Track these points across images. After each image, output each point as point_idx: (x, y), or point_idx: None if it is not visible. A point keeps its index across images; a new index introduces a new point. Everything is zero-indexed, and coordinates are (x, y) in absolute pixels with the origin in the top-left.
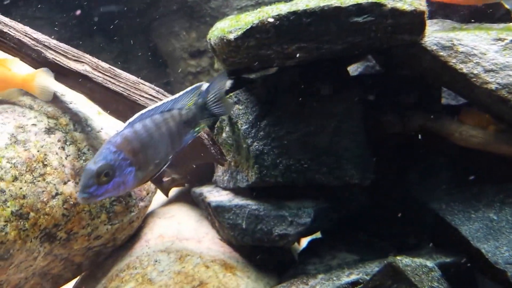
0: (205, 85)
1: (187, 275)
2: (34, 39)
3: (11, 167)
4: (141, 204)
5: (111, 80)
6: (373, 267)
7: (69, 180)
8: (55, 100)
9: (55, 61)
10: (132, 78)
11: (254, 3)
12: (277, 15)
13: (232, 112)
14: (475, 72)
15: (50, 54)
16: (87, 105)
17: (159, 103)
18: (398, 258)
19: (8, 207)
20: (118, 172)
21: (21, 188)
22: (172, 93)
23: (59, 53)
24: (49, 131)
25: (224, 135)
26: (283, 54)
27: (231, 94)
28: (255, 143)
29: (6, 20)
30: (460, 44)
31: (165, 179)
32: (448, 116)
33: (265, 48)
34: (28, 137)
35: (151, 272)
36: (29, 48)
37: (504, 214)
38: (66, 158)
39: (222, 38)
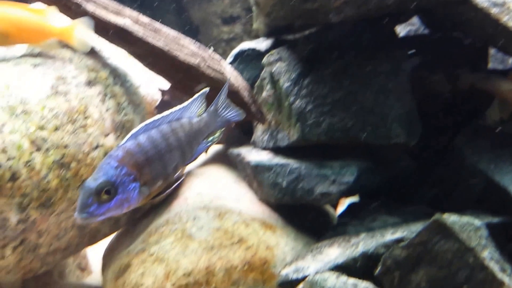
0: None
1: (226, 231)
2: None
3: (52, 117)
4: None
5: (151, 34)
6: (418, 227)
7: (109, 133)
8: (94, 53)
9: (95, 14)
10: (173, 33)
11: None
12: None
13: (273, 70)
14: None
15: (90, 7)
16: (126, 60)
17: (166, 112)
18: (445, 215)
19: (50, 155)
20: (121, 189)
21: (62, 138)
22: None
23: (100, 6)
24: (89, 83)
25: (264, 94)
26: (329, 9)
27: (272, 51)
28: (297, 101)
29: None
30: None
31: None
32: (500, 76)
33: (311, 1)
34: (69, 88)
35: (191, 228)
36: (69, 0)
37: None
38: (106, 111)
39: None
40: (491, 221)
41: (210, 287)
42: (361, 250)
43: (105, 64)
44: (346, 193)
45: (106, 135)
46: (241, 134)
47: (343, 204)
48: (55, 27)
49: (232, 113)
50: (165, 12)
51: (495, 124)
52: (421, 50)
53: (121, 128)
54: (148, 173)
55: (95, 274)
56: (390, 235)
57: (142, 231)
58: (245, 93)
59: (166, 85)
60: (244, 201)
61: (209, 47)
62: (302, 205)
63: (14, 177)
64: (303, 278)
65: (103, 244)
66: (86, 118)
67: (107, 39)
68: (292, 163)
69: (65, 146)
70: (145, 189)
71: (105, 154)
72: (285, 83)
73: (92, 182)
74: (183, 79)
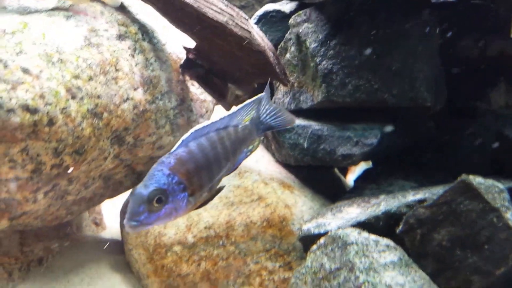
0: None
1: (246, 189)
2: None
3: (86, 67)
4: (201, 120)
5: None
6: (439, 190)
7: (138, 87)
8: (124, 8)
9: None
10: None
11: None
12: None
13: (300, 30)
14: None
15: None
16: (153, 17)
17: (215, 120)
18: (471, 176)
19: (85, 104)
20: (171, 197)
21: (96, 88)
22: None
23: None
24: (120, 37)
25: (288, 55)
26: None
27: (299, 12)
28: (324, 62)
29: None
30: None
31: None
32: None
33: None
34: (101, 41)
35: None
36: None
37: None
38: (135, 66)
39: None
40: None
41: (229, 241)
42: (383, 209)
43: (134, 19)
44: (369, 155)
45: (135, 88)
46: None
47: (353, 172)
48: None
49: (277, 120)
50: None
51: (500, 108)
52: (451, 16)
53: (148, 83)
54: (197, 182)
55: (109, 229)
56: (412, 196)
57: None
58: (270, 54)
59: (191, 43)
60: (263, 162)
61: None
62: (318, 169)
63: (51, 122)
64: (325, 233)
65: (118, 201)
66: (117, 70)
67: None
68: (314, 124)
69: (98, 96)
70: (192, 199)
71: (134, 107)
72: (312, 43)
73: (144, 189)
74: (210, 36)
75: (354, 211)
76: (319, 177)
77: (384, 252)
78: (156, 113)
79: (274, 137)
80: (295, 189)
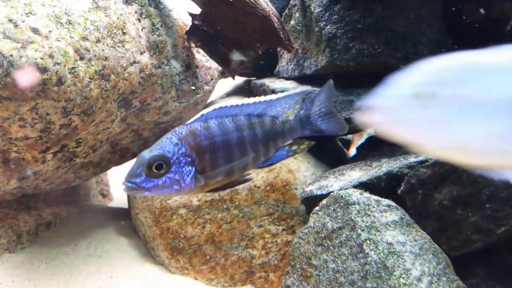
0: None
1: None
2: None
3: (94, 29)
4: (206, 87)
5: None
6: None
7: (144, 51)
8: None
9: None
10: None
11: None
12: None
13: None
14: None
15: None
16: None
17: (248, 101)
18: None
19: (93, 65)
20: (174, 167)
21: (103, 50)
22: None
23: None
24: (126, 1)
25: (292, 22)
26: None
27: None
28: (328, 27)
29: None
30: None
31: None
32: None
33: None
34: (108, 4)
35: None
36: None
37: None
38: (142, 30)
39: None
40: None
41: (233, 204)
42: (385, 170)
43: None
44: None
45: (142, 52)
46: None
47: (355, 146)
48: None
49: (329, 124)
50: None
51: None
52: None
53: (155, 48)
54: (209, 161)
55: (116, 200)
56: (413, 158)
57: None
58: (274, 19)
59: (197, 10)
60: None
61: None
62: (322, 138)
63: (60, 81)
64: (327, 194)
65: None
66: (124, 34)
67: None
68: (317, 89)
69: (106, 58)
70: (201, 178)
71: (141, 70)
72: (316, 8)
73: (147, 153)
74: (215, 1)
75: (356, 174)
76: (322, 146)
77: (386, 211)
78: (162, 78)
79: None
80: (299, 155)
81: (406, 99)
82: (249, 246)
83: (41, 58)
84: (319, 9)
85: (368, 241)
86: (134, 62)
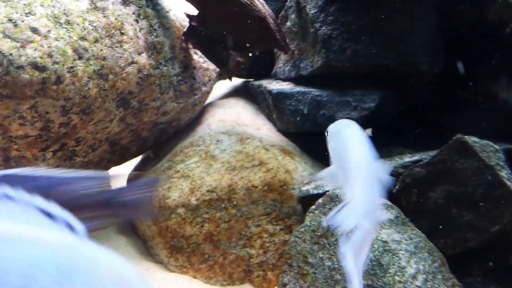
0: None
1: (248, 154)
2: None
3: (92, 29)
4: (204, 88)
5: None
6: (435, 153)
7: (142, 52)
8: None
9: None
10: None
11: None
12: None
13: None
14: None
15: None
16: None
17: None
18: (466, 136)
19: (91, 65)
20: None
21: (101, 50)
22: None
23: None
24: (124, 2)
25: (288, 23)
26: None
27: None
28: (323, 28)
29: None
30: None
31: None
32: None
33: None
34: (106, 5)
35: (214, 149)
36: None
37: None
38: (139, 31)
39: None
40: (508, 147)
41: (231, 204)
42: None
43: None
44: (367, 119)
45: (140, 53)
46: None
47: None
48: None
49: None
50: None
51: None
52: None
53: (152, 49)
54: None
55: None
56: (408, 158)
57: (167, 152)
58: (270, 20)
59: (194, 11)
60: (264, 130)
61: None
62: (319, 138)
63: (59, 80)
64: (324, 193)
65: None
66: (122, 34)
67: None
68: (314, 91)
69: (104, 58)
70: None
71: (139, 71)
72: (311, 9)
73: None
74: (212, 3)
75: None
76: (319, 146)
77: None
78: (160, 78)
79: (276, 106)
80: (296, 155)
81: None
82: (247, 245)
83: (40, 57)
84: (314, 10)
85: None
86: (132, 62)
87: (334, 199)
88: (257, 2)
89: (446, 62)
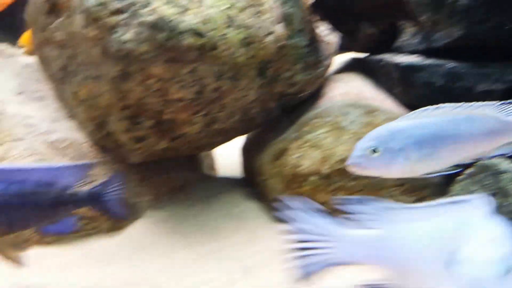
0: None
1: (376, 126)
2: None
3: None
4: (326, 62)
5: None
6: None
7: (278, 23)
8: None
9: None
10: None
11: None
12: None
13: None
14: None
15: None
16: None
17: (36, 167)
18: None
19: (239, 33)
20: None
21: (247, 19)
22: None
23: None
24: None
25: None
26: None
27: None
28: None
29: None
30: None
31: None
32: None
33: None
34: None
35: (342, 121)
36: None
37: None
38: (274, 2)
39: None
40: None
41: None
42: None
43: None
44: (510, 93)
45: (276, 24)
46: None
47: None
48: None
49: (114, 208)
50: None
51: None
52: None
53: (285, 20)
54: None
55: (223, 173)
56: None
57: (291, 123)
58: None
59: None
60: (388, 104)
61: None
62: None
63: (214, 47)
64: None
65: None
66: (261, 5)
67: None
68: (449, 62)
69: (249, 27)
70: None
71: (276, 41)
72: None
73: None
74: None
75: None
76: None
77: None
78: (292, 49)
79: (404, 79)
80: None
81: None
82: None
83: (199, 24)
84: None
85: None
86: (270, 32)
87: (487, 169)
88: None
89: None
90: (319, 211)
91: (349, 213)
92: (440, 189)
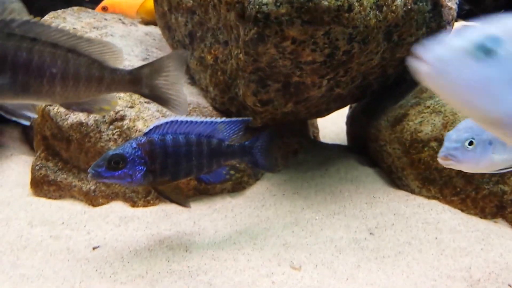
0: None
1: None
2: None
3: None
4: (448, 27)
5: None
6: None
7: None
8: None
9: None
10: None
11: None
12: None
13: None
14: None
15: None
16: None
17: (200, 120)
18: None
19: None
20: (129, 165)
21: None
22: None
23: None
24: None
25: None
26: None
27: None
28: None
29: None
30: None
31: None
32: None
33: None
34: None
35: None
36: None
37: None
38: None
39: None
40: None
41: None
42: None
43: None
44: None
45: None
46: None
47: None
48: None
49: (263, 161)
50: None
51: None
52: None
53: None
54: (159, 166)
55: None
56: None
57: (408, 89)
58: None
59: None
60: None
61: None
62: None
63: (350, 8)
64: None
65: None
66: None
67: None
68: None
69: None
70: (150, 176)
71: (404, 4)
72: None
73: (112, 151)
74: None
75: None
76: None
77: None
78: (418, 13)
79: None
80: None
81: (462, 53)
82: (500, 182)
83: None
84: None
85: None
86: None
87: None
88: None
89: None
90: None
91: None
92: None
